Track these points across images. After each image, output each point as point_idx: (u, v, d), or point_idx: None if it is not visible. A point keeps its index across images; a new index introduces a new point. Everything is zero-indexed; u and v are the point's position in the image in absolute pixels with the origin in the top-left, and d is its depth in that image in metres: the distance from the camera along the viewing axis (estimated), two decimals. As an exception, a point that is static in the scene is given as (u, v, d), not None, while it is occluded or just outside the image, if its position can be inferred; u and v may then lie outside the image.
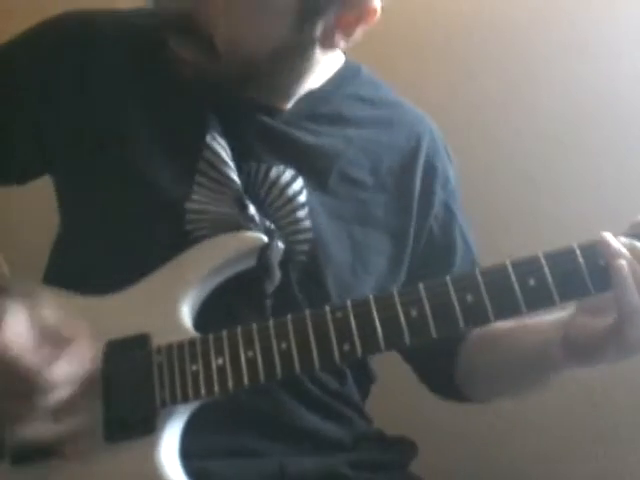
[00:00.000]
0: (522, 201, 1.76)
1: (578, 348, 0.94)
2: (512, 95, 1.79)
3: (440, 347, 1.09)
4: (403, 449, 1.18)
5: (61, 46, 1.10)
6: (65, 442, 0.94)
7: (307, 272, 1.07)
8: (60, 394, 0.90)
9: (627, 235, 0.91)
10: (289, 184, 1.08)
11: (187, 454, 0.95)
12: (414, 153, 1.18)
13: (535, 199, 1.75)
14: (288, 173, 1.09)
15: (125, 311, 1.01)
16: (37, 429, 0.91)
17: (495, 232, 1.71)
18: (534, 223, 1.72)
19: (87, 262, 1.07)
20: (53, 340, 0.91)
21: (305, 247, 1.07)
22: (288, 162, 1.09)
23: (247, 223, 1.02)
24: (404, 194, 1.16)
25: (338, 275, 1.09)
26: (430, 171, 1.19)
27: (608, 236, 0.89)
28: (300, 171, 1.09)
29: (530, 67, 1.78)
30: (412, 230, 1.17)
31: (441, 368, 1.20)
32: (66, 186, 1.12)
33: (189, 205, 1.03)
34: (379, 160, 1.16)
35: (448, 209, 1.22)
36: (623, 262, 0.87)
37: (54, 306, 0.94)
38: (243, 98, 1.10)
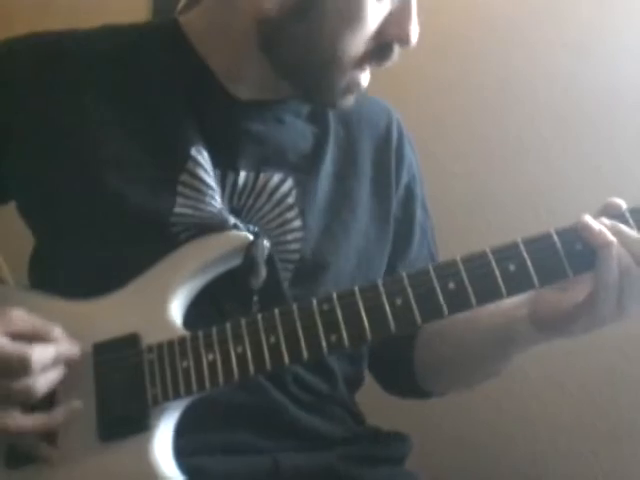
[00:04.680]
0: (522, 201, 1.78)
1: (548, 322, 0.96)
2: (511, 95, 1.81)
3: (397, 340, 1.12)
4: (397, 444, 1.19)
5: (27, 69, 1.09)
6: (56, 440, 0.96)
7: (300, 270, 1.09)
8: (45, 377, 0.92)
9: (609, 217, 0.92)
10: (277, 188, 1.10)
11: (182, 452, 0.96)
12: (386, 142, 1.22)
13: (535, 198, 1.77)
14: (276, 177, 1.10)
15: (114, 312, 1.02)
16: (22, 420, 0.92)
17: (496, 231, 1.73)
18: (534, 222, 1.73)
19: (70, 276, 1.08)
20: (27, 338, 0.93)
21: (297, 246, 1.08)
22: (276, 166, 1.11)
23: (230, 229, 1.04)
24: (383, 183, 1.20)
25: (333, 267, 1.11)
26: (398, 159, 1.23)
27: (588, 218, 0.91)
28: (289, 173, 1.11)
29: (529, 67, 1.80)
30: (392, 215, 1.20)
31: (400, 362, 1.21)
32: (37, 208, 1.10)
33: (174, 216, 1.04)
34: (355, 153, 1.19)
35: (409, 190, 1.25)
36: (612, 239, 0.89)
37: (26, 310, 0.96)
38: (227, 102, 1.10)
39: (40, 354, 0.91)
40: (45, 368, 0.92)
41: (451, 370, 1.20)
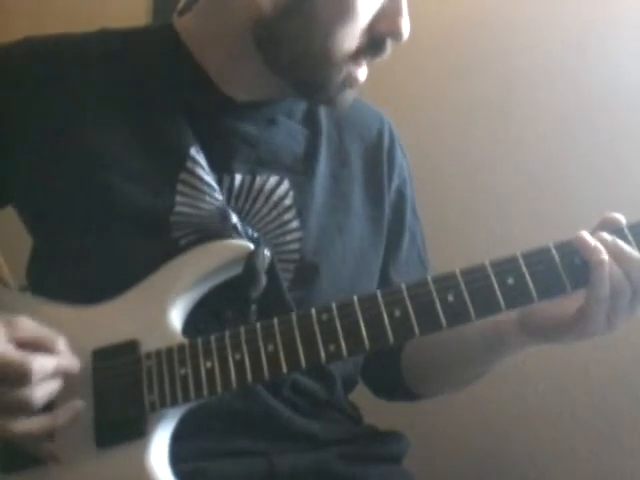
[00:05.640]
0: (522, 200, 1.77)
1: (536, 328, 0.98)
2: (511, 96, 1.81)
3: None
4: (394, 443, 1.19)
5: (26, 72, 1.10)
6: (54, 444, 0.96)
7: (301, 270, 1.09)
8: (44, 388, 0.91)
9: (609, 232, 0.93)
10: (274, 190, 1.10)
11: (178, 457, 0.96)
12: (377, 147, 1.24)
13: (535, 198, 1.76)
14: (273, 179, 1.11)
15: (114, 319, 1.02)
16: (25, 423, 0.92)
17: (498, 230, 1.73)
18: (535, 221, 1.72)
19: (72, 279, 1.08)
20: (31, 347, 0.92)
21: (296, 246, 1.10)
22: (271, 168, 1.12)
23: (230, 232, 1.04)
24: (375, 186, 1.21)
25: (332, 267, 1.12)
26: (390, 162, 1.24)
27: (585, 234, 0.92)
28: (285, 174, 1.12)
29: (529, 66, 1.80)
30: (386, 220, 1.22)
31: (388, 365, 1.22)
32: (37, 209, 1.11)
33: (174, 215, 1.05)
34: (347, 155, 1.20)
35: (400, 194, 1.26)
36: (605, 257, 0.90)
37: (31, 318, 0.95)
38: (220, 104, 1.10)
39: (40, 365, 0.90)
40: (44, 379, 0.91)
41: (440, 372, 1.21)
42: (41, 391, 0.91)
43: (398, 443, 1.20)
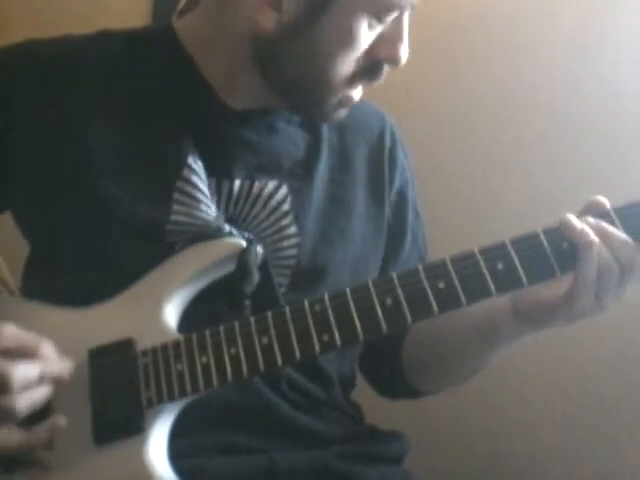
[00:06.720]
0: (523, 200, 1.78)
1: (529, 315, 0.98)
2: (510, 95, 1.81)
3: (386, 340, 1.13)
4: (395, 443, 1.19)
5: (26, 76, 1.10)
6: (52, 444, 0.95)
7: (297, 275, 1.10)
8: (27, 396, 0.91)
9: (593, 216, 0.93)
10: (272, 195, 1.11)
11: (178, 453, 0.96)
12: (379, 148, 1.23)
13: (536, 198, 1.76)
14: (271, 184, 1.11)
15: (110, 318, 1.02)
16: (4, 437, 0.91)
17: (498, 230, 1.72)
18: (535, 221, 1.72)
19: (69, 283, 1.08)
20: (14, 354, 0.91)
21: (293, 251, 1.10)
22: (270, 173, 1.12)
23: (225, 236, 1.04)
24: (377, 187, 1.21)
25: (330, 272, 1.12)
26: (392, 163, 1.24)
27: (571, 217, 0.92)
28: (283, 179, 1.12)
29: (529, 66, 1.80)
30: (386, 220, 1.21)
31: (389, 362, 1.22)
32: (33, 216, 1.11)
33: (170, 224, 1.05)
34: (349, 158, 1.20)
35: (402, 195, 1.26)
36: (593, 239, 0.90)
37: (24, 322, 0.95)
38: (221, 111, 1.10)
39: (22, 373, 0.89)
40: (27, 387, 0.90)
41: (439, 366, 1.21)
42: (23, 399, 0.90)
43: (399, 443, 1.20)
